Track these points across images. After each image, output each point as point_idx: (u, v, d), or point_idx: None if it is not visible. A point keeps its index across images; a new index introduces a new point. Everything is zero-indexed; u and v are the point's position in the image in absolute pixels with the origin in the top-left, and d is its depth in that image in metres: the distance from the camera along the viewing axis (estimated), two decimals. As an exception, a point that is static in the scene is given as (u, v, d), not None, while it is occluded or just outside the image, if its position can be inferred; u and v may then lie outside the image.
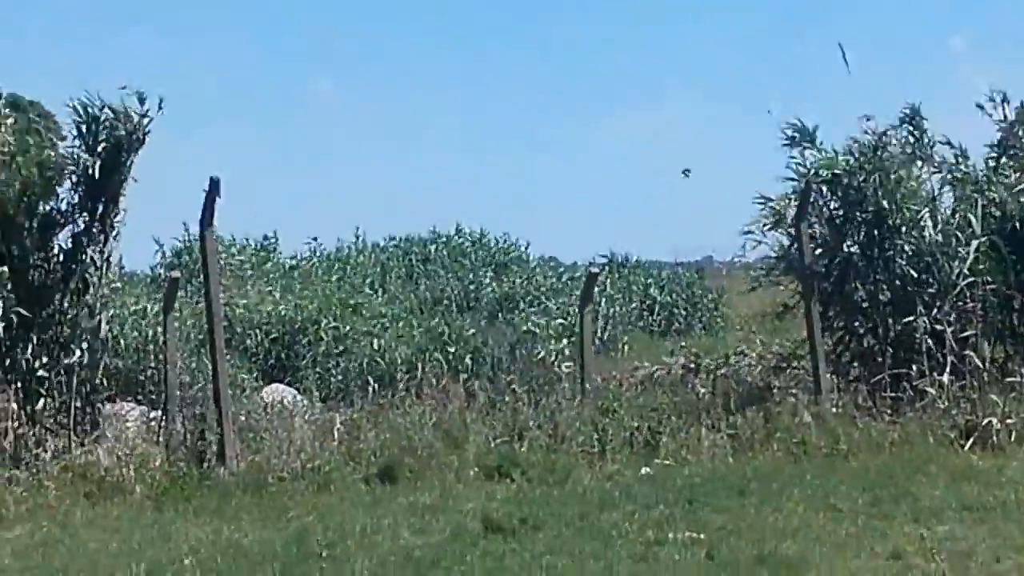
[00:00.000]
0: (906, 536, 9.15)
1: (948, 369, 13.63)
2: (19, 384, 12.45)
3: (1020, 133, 15.26)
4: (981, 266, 14.23)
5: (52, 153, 12.37)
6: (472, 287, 25.33)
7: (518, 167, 56.00)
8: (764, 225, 15.06)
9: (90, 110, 12.50)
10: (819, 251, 14.81)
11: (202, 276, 13.36)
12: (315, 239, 28.97)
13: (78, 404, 12.52)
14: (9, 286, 12.54)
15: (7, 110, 12.39)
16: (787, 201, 14.93)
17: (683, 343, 20.37)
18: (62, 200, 12.69)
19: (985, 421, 12.70)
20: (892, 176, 14.46)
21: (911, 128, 15.13)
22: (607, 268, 27.53)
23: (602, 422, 12.99)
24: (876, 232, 14.48)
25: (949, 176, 14.97)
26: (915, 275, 14.25)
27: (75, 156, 12.53)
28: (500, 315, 22.93)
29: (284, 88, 56.05)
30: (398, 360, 17.54)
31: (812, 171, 14.75)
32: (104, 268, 12.76)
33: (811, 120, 15.03)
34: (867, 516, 9.83)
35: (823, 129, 15.00)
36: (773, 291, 15.98)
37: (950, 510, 9.94)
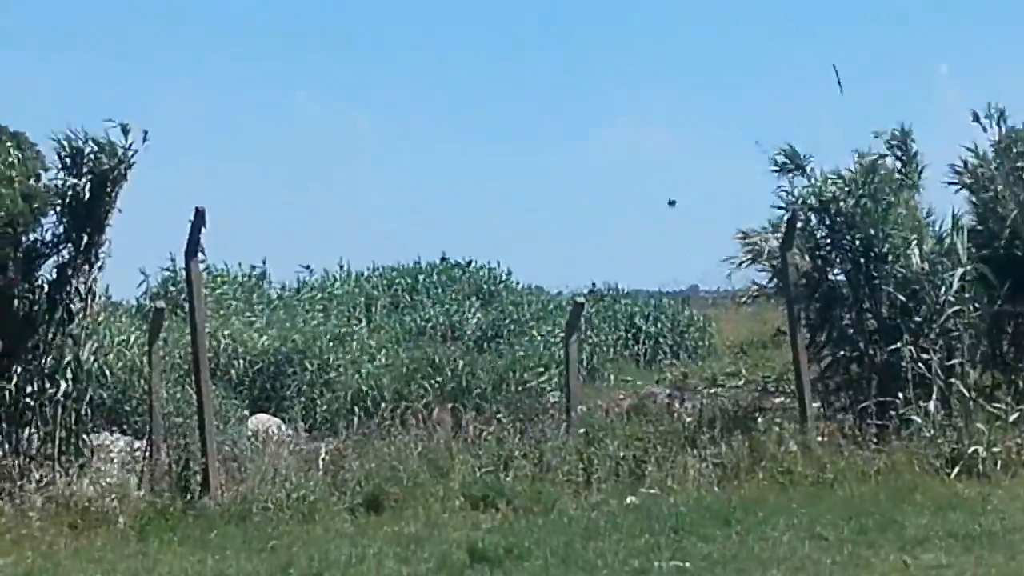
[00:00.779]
0: (892, 565, 9.16)
1: (934, 396, 13.63)
2: (3, 414, 12.38)
3: (1012, 153, 15.23)
4: (967, 294, 14.24)
5: (36, 184, 12.33)
6: (456, 318, 25.29)
7: (504, 194, 56.05)
8: (743, 263, 15.11)
9: (74, 143, 12.47)
10: (804, 281, 14.77)
11: (187, 306, 13.33)
12: (307, 267, 28.81)
13: (63, 434, 12.43)
14: (-7, 316, 12.48)
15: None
16: (768, 234, 14.92)
17: (671, 368, 20.38)
18: (47, 231, 12.64)
19: (971, 449, 12.73)
20: (882, 202, 14.49)
21: (900, 153, 15.17)
22: (592, 297, 27.53)
23: (588, 451, 12.98)
24: (863, 260, 14.49)
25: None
26: (902, 301, 14.25)
27: (59, 187, 12.51)
28: (486, 344, 22.91)
29: (271, 109, 55.93)
30: (384, 390, 17.51)
31: (800, 200, 14.76)
32: (89, 298, 12.70)
33: (801, 146, 15.04)
34: (853, 545, 9.82)
35: (811, 153, 15.00)
36: (760, 318, 16.02)
37: (936, 538, 9.94)
